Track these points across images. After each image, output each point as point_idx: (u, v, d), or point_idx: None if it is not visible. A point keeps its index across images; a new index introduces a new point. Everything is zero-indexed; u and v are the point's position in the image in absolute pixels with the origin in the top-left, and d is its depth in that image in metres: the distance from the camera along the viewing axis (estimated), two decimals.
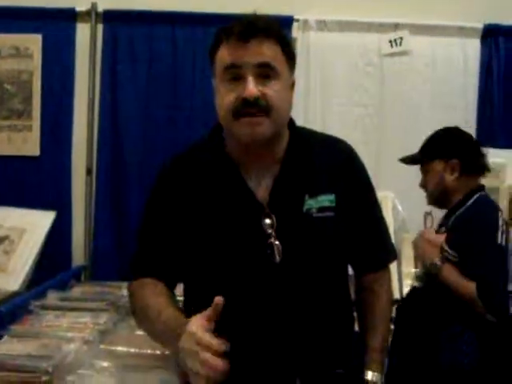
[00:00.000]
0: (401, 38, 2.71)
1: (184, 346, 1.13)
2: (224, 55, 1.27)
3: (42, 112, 2.76)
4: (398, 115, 2.76)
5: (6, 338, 1.78)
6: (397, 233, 2.68)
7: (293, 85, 1.37)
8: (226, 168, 1.34)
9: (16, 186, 2.73)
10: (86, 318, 1.95)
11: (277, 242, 1.30)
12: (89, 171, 2.74)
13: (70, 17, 2.75)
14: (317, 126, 2.72)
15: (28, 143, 2.76)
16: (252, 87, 1.23)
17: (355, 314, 1.48)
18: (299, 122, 2.61)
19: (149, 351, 1.57)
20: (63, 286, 2.39)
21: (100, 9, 2.75)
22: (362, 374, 1.38)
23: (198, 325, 1.13)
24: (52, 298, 2.15)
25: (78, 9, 2.75)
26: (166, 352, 1.53)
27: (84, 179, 2.75)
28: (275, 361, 1.29)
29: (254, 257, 1.30)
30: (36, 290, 2.26)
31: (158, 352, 1.56)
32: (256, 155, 1.33)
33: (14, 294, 2.22)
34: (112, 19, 2.75)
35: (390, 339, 1.80)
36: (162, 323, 1.24)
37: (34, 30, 2.74)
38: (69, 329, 1.85)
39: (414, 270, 2.64)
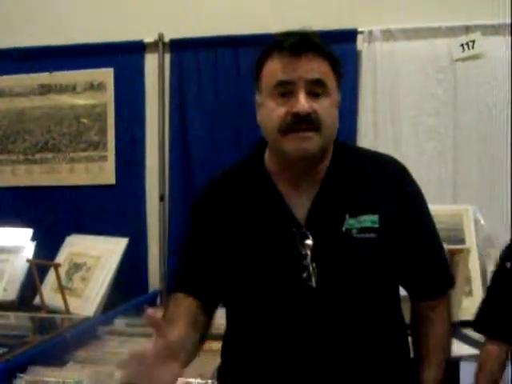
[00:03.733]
0: (473, 41, 2.55)
1: None
2: (275, 70, 1.24)
3: (116, 142, 2.86)
4: (474, 122, 2.59)
5: (71, 363, 1.84)
6: (481, 248, 2.50)
7: (339, 104, 1.32)
8: (264, 186, 1.31)
9: (93, 214, 2.84)
10: (149, 344, 1.97)
11: (314, 265, 1.24)
12: (161, 197, 2.80)
13: (138, 48, 2.84)
14: (388, 138, 2.63)
15: (104, 173, 2.87)
16: (304, 102, 1.20)
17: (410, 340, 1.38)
18: (369, 136, 2.62)
19: (198, 380, 1.55)
20: (137, 311, 2.43)
21: (166, 39, 2.82)
22: None
23: None
24: (120, 323, 2.20)
25: (146, 40, 2.83)
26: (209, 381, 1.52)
27: (157, 205, 2.81)
28: None
29: (289, 280, 1.24)
30: (107, 315, 2.32)
31: (206, 381, 1.55)
32: (299, 173, 1.29)
33: (86, 320, 2.29)
34: (178, 47, 2.81)
35: None
36: None
37: (106, 64, 2.86)
38: None
39: None
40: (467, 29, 2.58)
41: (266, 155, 1.35)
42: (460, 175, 2.60)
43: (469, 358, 1.94)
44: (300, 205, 1.28)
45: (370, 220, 1.26)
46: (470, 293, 2.39)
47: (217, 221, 1.33)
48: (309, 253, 1.24)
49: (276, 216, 1.28)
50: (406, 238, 1.29)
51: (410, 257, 1.31)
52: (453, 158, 2.61)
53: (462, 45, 2.58)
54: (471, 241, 2.46)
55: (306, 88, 1.22)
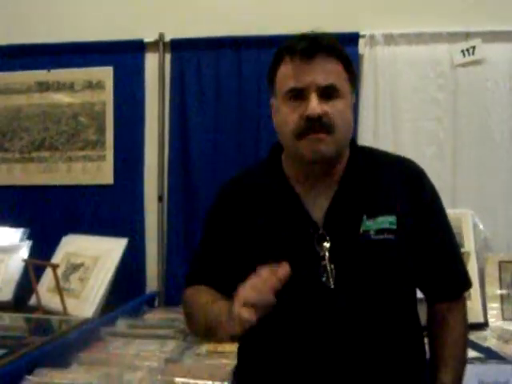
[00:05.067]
0: (473, 47, 2.57)
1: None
2: (287, 75, 1.25)
3: (114, 142, 2.83)
4: (474, 127, 2.60)
5: (74, 365, 1.82)
6: (479, 252, 2.52)
7: (353, 105, 1.33)
8: (282, 188, 1.32)
9: (91, 214, 2.81)
10: (152, 346, 1.96)
11: (332, 266, 1.24)
12: (160, 198, 2.78)
13: (138, 48, 2.82)
14: (388, 142, 2.63)
15: (102, 172, 2.84)
16: (315, 105, 1.21)
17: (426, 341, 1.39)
18: (369, 140, 2.63)
19: (209, 382, 1.53)
20: (136, 313, 2.42)
21: (167, 38, 2.80)
22: None
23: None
24: (122, 324, 2.18)
25: (146, 40, 2.81)
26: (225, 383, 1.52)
27: (156, 206, 2.79)
28: None
29: (307, 281, 1.25)
30: (108, 316, 2.30)
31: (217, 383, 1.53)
32: (315, 175, 1.30)
33: (86, 321, 2.26)
34: (179, 47, 2.79)
35: None
36: (215, 309, 1.22)
37: (105, 63, 2.83)
38: (135, 357, 1.86)
39: (499, 291, 2.48)
40: (467, 35, 2.60)
41: (283, 158, 1.36)
42: (459, 180, 2.61)
43: (470, 360, 1.96)
44: (317, 206, 1.29)
45: (387, 221, 1.27)
46: (468, 296, 2.41)
47: (234, 222, 1.34)
48: (327, 254, 1.25)
49: (293, 218, 1.29)
50: (423, 239, 1.31)
51: (427, 258, 1.33)
52: (452, 163, 2.62)
53: (463, 51, 2.60)
54: (470, 245, 2.49)
55: (318, 91, 1.23)
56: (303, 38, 1.25)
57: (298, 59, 1.23)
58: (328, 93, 1.23)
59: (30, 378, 1.59)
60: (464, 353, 1.37)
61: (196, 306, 1.30)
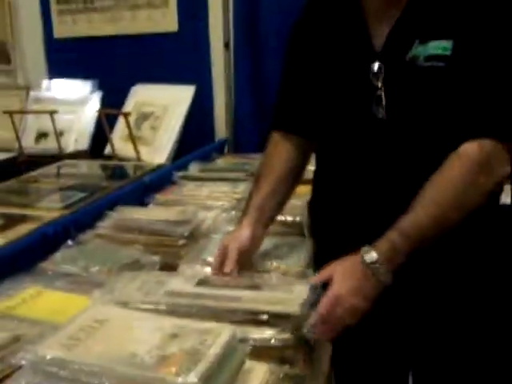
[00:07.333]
0: None
1: None
2: None
3: None
4: None
5: (151, 205, 1.89)
6: None
7: None
8: (350, 11, 1.26)
9: (157, 63, 2.77)
10: (224, 188, 2.00)
11: (383, 95, 1.19)
12: (226, 45, 2.70)
13: None
14: None
15: (166, 19, 2.77)
16: None
17: None
18: None
19: (278, 218, 1.54)
20: (206, 159, 2.45)
21: None
22: None
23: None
24: (194, 169, 2.23)
25: None
26: (297, 218, 1.55)
27: (222, 53, 2.72)
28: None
29: (358, 109, 1.23)
30: (180, 161, 2.35)
31: (288, 218, 1.56)
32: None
33: (160, 166, 2.33)
34: None
35: None
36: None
37: None
38: (208, 197, 1.92)
39: None
40: None
41: None
42: None
43: None
44: (380, 33, 1.22)
45: (440, 47, 1.14)
46: None
47: (310, 48, 1.33)
48: (379, 84, 1.20)
49: (355, 41, 1.25)
50: (475, 66, 1.13)
51: (468, 86, 1.14)
52: None
53: None
54: None
55: None
56: None
57: None
58: None
59: (111, 213, 1.66)
60: (454, 202, 1.11)
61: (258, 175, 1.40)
